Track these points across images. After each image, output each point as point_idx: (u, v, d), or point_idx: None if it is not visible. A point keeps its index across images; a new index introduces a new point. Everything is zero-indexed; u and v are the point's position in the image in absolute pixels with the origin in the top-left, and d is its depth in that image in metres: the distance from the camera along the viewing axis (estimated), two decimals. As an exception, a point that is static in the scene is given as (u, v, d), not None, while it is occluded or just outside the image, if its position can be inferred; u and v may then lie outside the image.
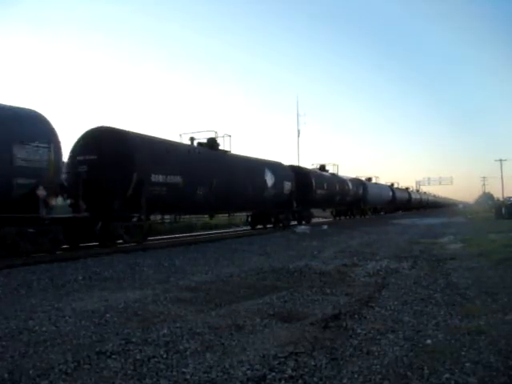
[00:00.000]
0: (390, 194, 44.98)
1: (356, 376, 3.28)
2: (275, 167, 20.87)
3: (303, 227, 20.55)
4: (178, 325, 4.61)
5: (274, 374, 3.31)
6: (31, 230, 10.21)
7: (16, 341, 4.13)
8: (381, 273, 7.96)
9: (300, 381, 3.21)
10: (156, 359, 3.64)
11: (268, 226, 21.64)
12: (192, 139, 16.64)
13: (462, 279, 7.22)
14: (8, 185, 9.43)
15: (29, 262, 9.28)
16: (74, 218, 11.44)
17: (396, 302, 5.59)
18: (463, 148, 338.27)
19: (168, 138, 14.98)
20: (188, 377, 3.28)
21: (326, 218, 32.31)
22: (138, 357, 3.68)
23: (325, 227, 22.06)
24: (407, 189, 60.17)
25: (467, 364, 3.47)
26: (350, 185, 31.25)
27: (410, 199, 56.66)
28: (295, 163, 28.86)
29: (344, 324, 4.63)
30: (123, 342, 4.06)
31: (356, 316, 4.95)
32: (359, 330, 4.40)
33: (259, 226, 21.70)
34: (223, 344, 4.01)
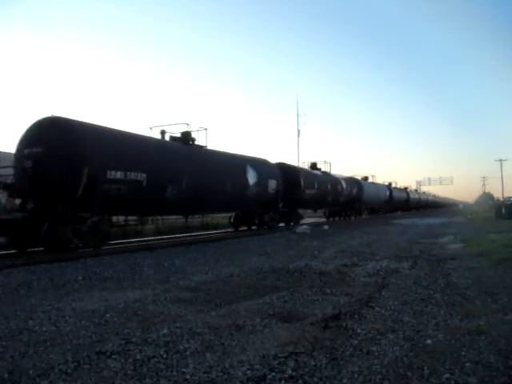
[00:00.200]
0: (388, 193, 44.35)
1: (356, 376, 3.28)
2: (259, 164, 19.27)
3: (303, 227, 20.23)
4: (178, 325, 4.61)
5: (274, 373, 3.31)
6: None
7: (16, 341, 4.13)
8: (381, 273, 7.96)
9: (300, 381, 3.21)
10: (156, 359, 3.64)
11: (252, 227, 20.24)
12: (163, 132, 15.15)
13: (462, 279, 7.22)
14: None
15: (29, 262, 9.29)
16: (13, 220, 10.20)
17: (396, 302, 5.59)
18: (463, 148, 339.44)
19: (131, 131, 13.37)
20: (188, 377, 3.28)
21: (319, 219, 31.73)
22: (138, 357, 3.68)
23: (325, 227, 22.00)
24: (406, 188, 60.18)
25: (467, 364, 3.47)
26: (343, 184, 29.98)
27: (408, 199, 56.60)
28: (295, 163, 28.45)
29: (344, 324, 4.63)
30: (123, 341, 4.06)
31: (356, 316, 4.95)
32: (359, 330, 4.40)
33: (243, 228, 20.29)
34: (223, 344, 4.01)
